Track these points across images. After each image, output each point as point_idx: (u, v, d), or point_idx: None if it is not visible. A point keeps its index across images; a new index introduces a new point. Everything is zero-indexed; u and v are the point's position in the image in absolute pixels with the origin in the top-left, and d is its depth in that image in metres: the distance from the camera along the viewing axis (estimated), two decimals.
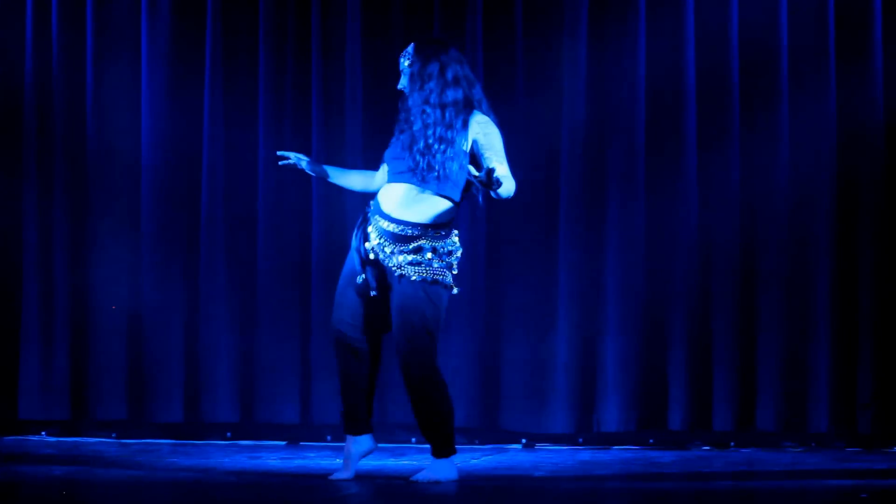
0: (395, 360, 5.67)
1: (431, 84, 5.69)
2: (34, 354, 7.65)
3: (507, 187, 5.54)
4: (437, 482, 5.58)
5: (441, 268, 5.62)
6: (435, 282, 5.60)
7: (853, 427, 7.24)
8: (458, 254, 5.70)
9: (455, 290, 5.68)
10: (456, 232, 5.72)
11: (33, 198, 7.68)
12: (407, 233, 5.60)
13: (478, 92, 5.77)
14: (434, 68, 5.70)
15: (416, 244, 5.60)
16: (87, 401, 7.64)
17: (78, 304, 7.67)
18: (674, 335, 7.33)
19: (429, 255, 5.60)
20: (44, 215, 7.68)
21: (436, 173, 5.60)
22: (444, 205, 5.64)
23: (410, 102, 5.72)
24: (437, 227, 5.63)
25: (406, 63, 5.76)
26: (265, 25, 7.61)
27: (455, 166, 5.63)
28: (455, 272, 5.68)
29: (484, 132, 5.70)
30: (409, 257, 5.59)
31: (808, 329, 7.29)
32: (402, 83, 5.78)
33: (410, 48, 5.78)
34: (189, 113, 7.65)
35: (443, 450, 5.66)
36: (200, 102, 7.63)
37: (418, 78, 5.71)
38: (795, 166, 7.32)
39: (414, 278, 5.58)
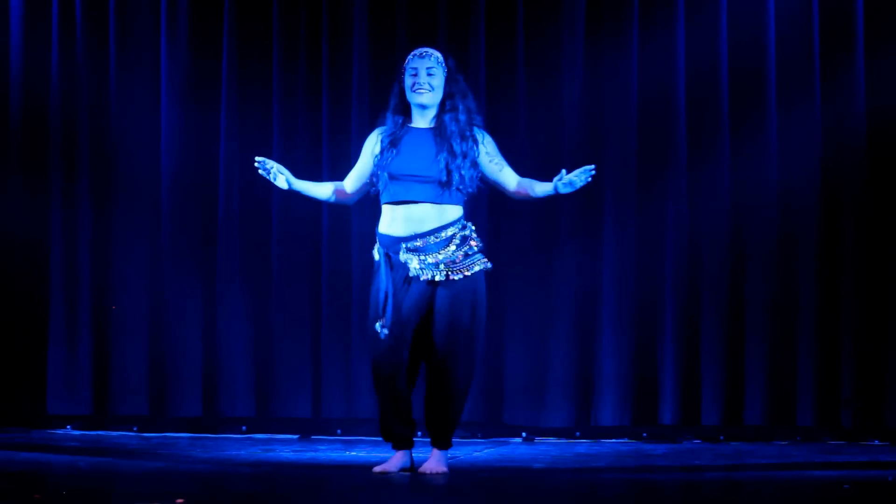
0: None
1: (469, 101, 5.63)
2: (60, 353, 7.68)
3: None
4: (443, 473, 5.60)
5: (476, 255, 5.59)
6: (475, 272, 5.56)
7: (837, 422, 7.25)
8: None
9: (489, 266, 5.62)
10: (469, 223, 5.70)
11: (59, 207, 7.72)
12: (433, 239, 5.54)
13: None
14: (466, 86, 5.66)
15: (448, 244, 5.54)
16: (110, 396, 7.67)
17: (101, 305, 7.71)
18: (665, 334, 7.36)
19: (462, 251, 5.55)
20: (68, 223, 7.71)
21: (460, 186, 5.57)
22: (458, 207, 5.64)
23: (445, 118, 5.59)
24: (459, 220, 5.62)
25: (439, 80, 5.58)
26: (278, 37, 7.64)
27: (475, 177, 5.64)
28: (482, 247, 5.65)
29: (488, 142, 5.69)
30: (446, 257, 5.53)
31: (795, 328, 7.30)
32: (432, 100, 5.59)
33: (442, 62, 5.60)
34: (206, 121, 7.68)
35: (447, 442, 5.68)
36: (217, 111, 7.67)
37: (458, 96, 5.60)
38: (783, 174, 7.34)
39: (457, 277, 5.53)
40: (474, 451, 6.80)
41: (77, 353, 7.70)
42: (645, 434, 7.42)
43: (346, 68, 7.61)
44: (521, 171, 7.35)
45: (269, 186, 7.56)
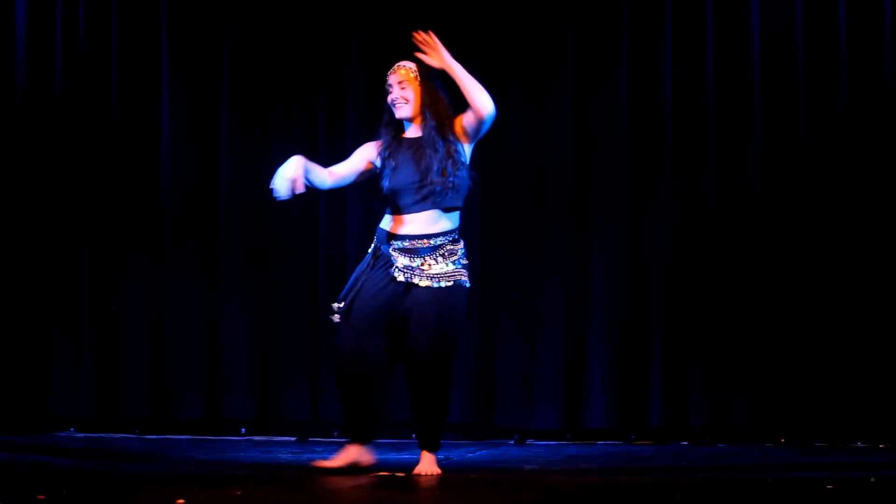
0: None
1: (438, 107, 5.59)
2: (64, 356, 7.69)
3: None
4: (439, 474, 5.59)
5: (461, 268, 5.58)
6: (458, 283, 5.55)
7: (820, 424, 7.23)
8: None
9: (467, 284, 5.62)
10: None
11: (63, 210, 7.71)
12: (423, 243, 5.54)
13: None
14: (437, 91, 5.62)
15: (438, 252, 5.54)
16: (112, 399, 7.68)
17: (104, 309, 7.70)
18: (653, 339, 7.35)
19: (447, 262, 5.54)
20: (72, 227, 7.72)
21: (453, 192, 5.56)
22: (455, 215, 5.64)
23: (425, 128, 5.59)
24: (453, 232, 5.62)
25: (412, 91, 5.58)
26: (277, 50, 7.67)
27: (465, 175, 5.61)
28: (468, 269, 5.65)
29: (457, 121, 5.63)
30: (431, 263, 5.53)
31: (779, 334, 7.27)
32: (411, 111, 5.60)
33: (414, 72, 5.59)
34: (207, 127, 7.69)
35: (435, 444, 5.66)
36: (218, 116, 7.69)
37: (428, 103, 5.58)
38: (767, 183, 7.33)
39: (440, 284, 5.52)
40: (467, 452, 6.80)
41: (80, 356, 7.70)
42: (634, 435, 7.42)
43: (342, 77, 7.63)
44: (515, 181, 7.29)
45: (269, 190, 7.59)
